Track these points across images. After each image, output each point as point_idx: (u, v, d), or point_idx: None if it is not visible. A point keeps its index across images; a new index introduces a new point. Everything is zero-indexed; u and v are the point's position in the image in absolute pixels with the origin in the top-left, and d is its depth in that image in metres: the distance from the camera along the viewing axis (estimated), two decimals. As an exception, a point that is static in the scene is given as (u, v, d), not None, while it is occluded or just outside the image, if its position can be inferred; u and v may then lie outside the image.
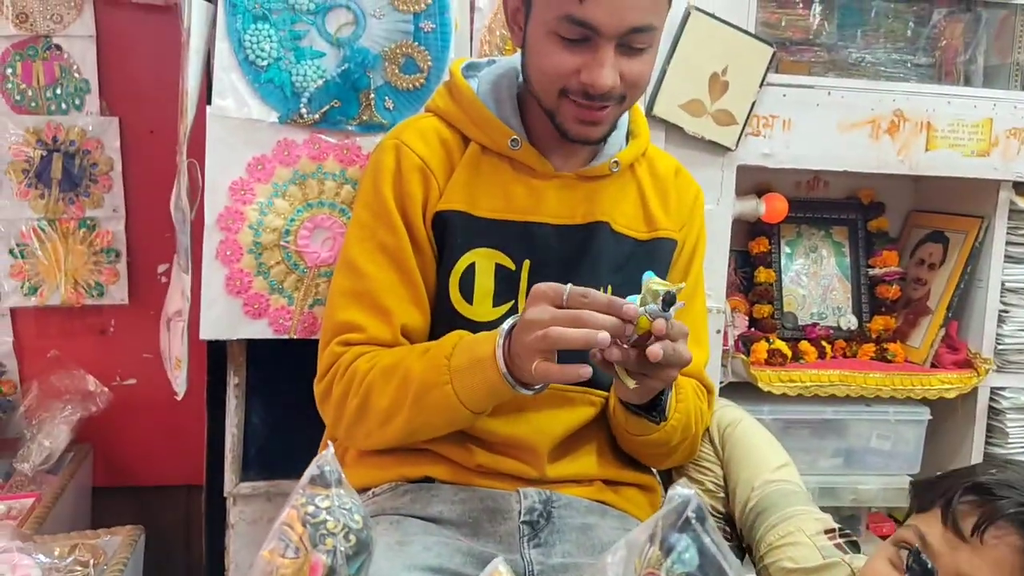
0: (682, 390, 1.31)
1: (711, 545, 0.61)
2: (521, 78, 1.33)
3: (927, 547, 0.97)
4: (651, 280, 1.08)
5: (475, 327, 1.26)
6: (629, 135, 1.39)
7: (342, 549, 0.69)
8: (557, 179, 1.32)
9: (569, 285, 1.08)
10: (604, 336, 1.03)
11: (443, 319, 1.29)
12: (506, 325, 1.13)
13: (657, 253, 1.38)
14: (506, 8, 1.29)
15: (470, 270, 1.29)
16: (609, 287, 1.33)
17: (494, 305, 1.30)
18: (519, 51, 1.31)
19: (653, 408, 1.25)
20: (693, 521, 0.61)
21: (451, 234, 1.29)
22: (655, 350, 1.05)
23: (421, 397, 1.18)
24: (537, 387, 1.15)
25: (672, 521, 0.62)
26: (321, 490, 0.72)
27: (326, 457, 0.73)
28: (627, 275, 1.34)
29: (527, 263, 1.30)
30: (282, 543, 0.70)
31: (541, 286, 1.10)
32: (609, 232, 1.33)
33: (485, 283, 1.29)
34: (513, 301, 1.30)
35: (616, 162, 1.33)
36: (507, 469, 1.28)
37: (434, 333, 1.29)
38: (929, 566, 0.83)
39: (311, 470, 0.72)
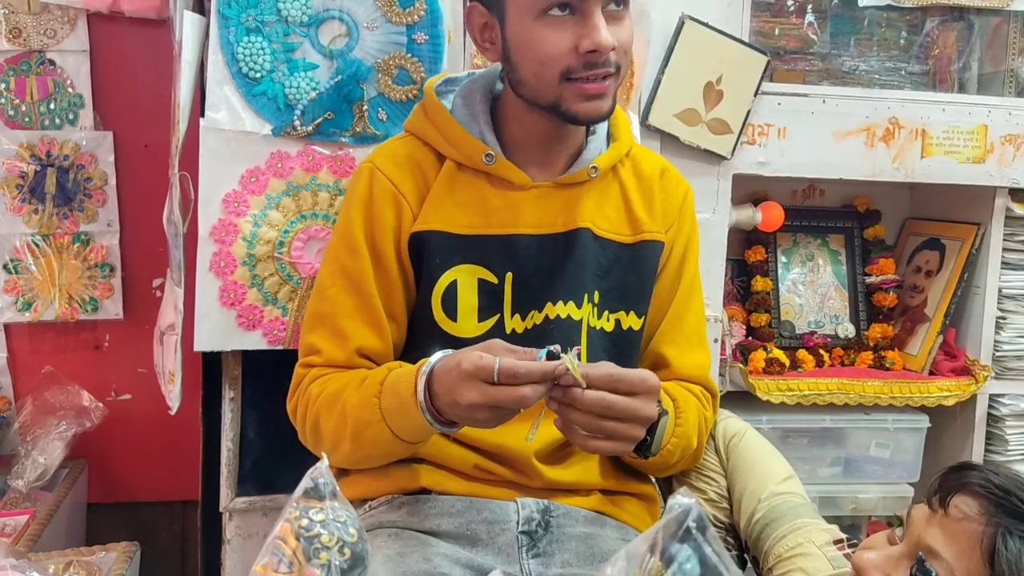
0: (683, 412, 1.28)
1: (712, 555, 0.60)
2: (501, 87, 1.33)
3: (910, 521, 1.00)
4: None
5: (460, 343, 1.25)
6: (609, 138, 1.38)
7: (337, 563, 0.67)
8: (535, 189, 1.31)
9: (498, 361, 1.05)
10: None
11: (428, 338, 1.29)
12: (427, 367, 1.14)
13: (643, 257, 1.36)
14: (472, 30, 1.28)
15: (452, 288, 1.29)
16: (596, 293, 1.32)
17: (479, 320, 1.29)
18: (498, 64, 1.32)
19: (641, 445, 1.18)
20: (694, 531, 0.60)
21: (430, 254, 1.29)
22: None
23: (359, 434, 1.21)
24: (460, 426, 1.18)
25: (673, 531, 0.61)
26: (315, 503, 0.70)
27: (320, 469, 0.71)
28: (613, 280, 1.34)
29: (509, 275, 1.29)
30: (275, 557, 0.68)
31: (468, 367, 1.07)
32: (591, 238, 1.32)
33: (468, 299, 1.29)
34: (499, 315, 1.30)
35: (595, 167, 1.32)
36: (503, 474, 1.28)
37: (422, 352, 1.28)
38: (933, 574, 0.83)
39: (305, 482, 0.71)
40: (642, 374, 1.12)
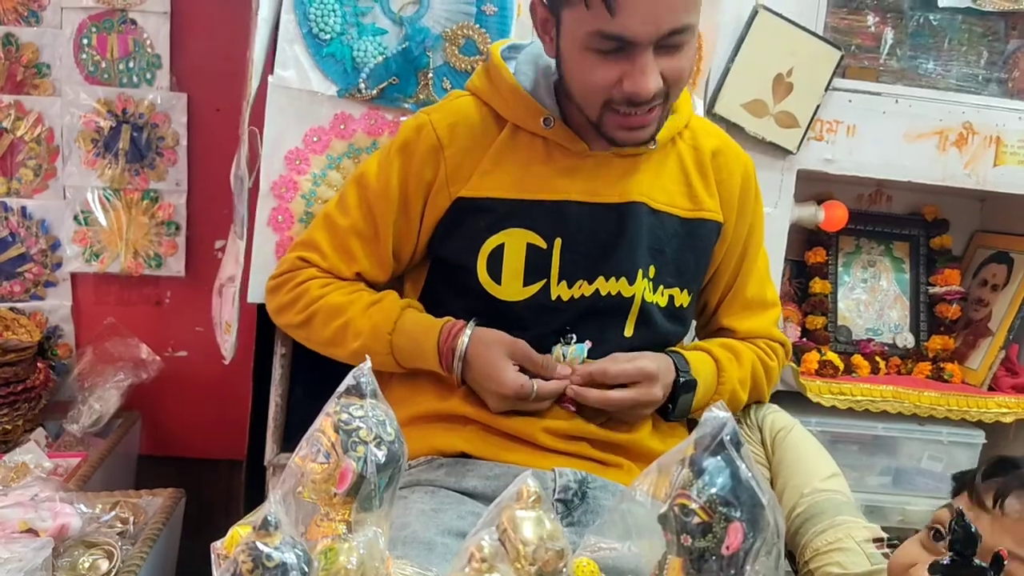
0: (725, 371, 1.36)
1: (745, 470, 0.59)
2: (557, 76, 1.32)
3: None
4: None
5: (503, 306, 1.29)
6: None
7: (372, 458, 0.69)
8: (591, 158, 1.31)
9: (535, 386, 1.24)
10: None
11: (472, 298, 1.31)
12: (460, 350, 1.26)
13: (700, 235, 1.36)
14: (534, 17, 1.27)
15: (499, 251, 1.29)
16: (652, 267, 1.32)
17: (524, 285, 1.30)
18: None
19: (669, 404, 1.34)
20: (727, 444, 0.60)
21: (477, 218, 1.30)
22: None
23: (358, 354, 1.27)
24: None
25: (706, 444, 0.61)
26: (356, 400, 0.72)
27: (363, 369, 0.73)
28: (669, 256, 1.34)
29: (559, 241, 1.29)
30: (314, 448, 0.70)
31: (509, 392, 1.24)
32: (647, 212, 1.32)
33: (514, 263, 1.29)
34: (545, 280, 1.30)
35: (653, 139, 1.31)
36: (542, 441, 1.28)
37: (463, 311, 1.31)
38: (972, 529, 0.81)
39: (347, 381, 0.72)
40: (639, 365, 1.26)
